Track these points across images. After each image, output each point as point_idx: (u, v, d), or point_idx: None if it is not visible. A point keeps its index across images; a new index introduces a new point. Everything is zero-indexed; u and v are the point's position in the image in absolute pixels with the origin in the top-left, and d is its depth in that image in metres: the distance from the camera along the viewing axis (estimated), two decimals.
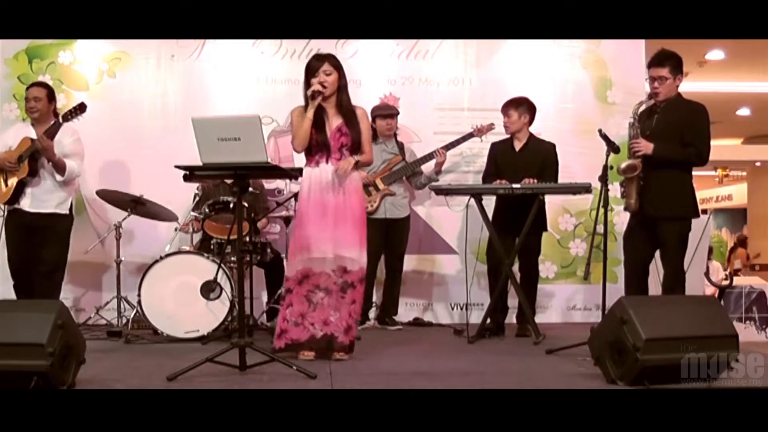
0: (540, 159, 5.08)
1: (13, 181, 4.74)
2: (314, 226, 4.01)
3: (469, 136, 5.60)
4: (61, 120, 4.74)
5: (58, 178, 4.81)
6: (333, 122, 4.07)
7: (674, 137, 4.26)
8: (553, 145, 5.18)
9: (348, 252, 4.03)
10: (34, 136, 4.81)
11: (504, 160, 5.13)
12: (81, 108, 4.79)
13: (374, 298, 5.74)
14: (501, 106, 5.16)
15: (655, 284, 4.66)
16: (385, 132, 5.56)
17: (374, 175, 5.50)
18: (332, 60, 4.06)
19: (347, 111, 4.09)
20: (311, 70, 4.04)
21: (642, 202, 4.26)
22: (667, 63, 4.27)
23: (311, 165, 4.08)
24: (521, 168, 5.01)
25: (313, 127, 4.01)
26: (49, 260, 4.84)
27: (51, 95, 4.99)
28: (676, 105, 4.31)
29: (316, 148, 4.06)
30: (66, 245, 4.94)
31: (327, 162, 4.05)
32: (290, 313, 4.05)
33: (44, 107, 4.91)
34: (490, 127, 5.53)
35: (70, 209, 4.95)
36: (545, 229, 5.21)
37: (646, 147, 4.22)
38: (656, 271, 4.51)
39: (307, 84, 4.04)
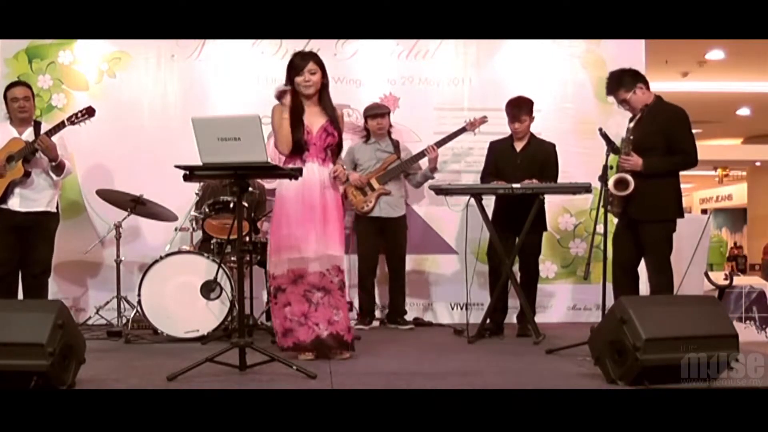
0: (541, 159, 5.09)
1: (3, 181, 4.71)
2: (303, 226, 4.01)
3: (462, 130, 5.59)
4: (66, 123, 4.72)
5: (55, 177, 4.81)
6: (317, 122, 4.08)
7: (658, 143, 4.29)
8: (554, 145, 5.18)
9: (336, 251, 4.06)
10: (16, 135, 4.79)
11: (505, 160, 5.13)
12: (89, 112, 4.76)
13: (377, 298, 5.74)
14: (506, 107, 5.14)
15: (646, 285, 4.67)
16: (376, 131, 5.57)
17: (369, 175, 5.51)
18: (316, 58, 4.09)
19: (332, 111, 4.13)
20: (296, 69, 4.05)
21: (626, 205, 4.29)
22: (618, 87, 4.34)
23: (296, 164, 4.04)
24: (522, 168, 5.02)
25: (292, 126, 4.02)
26: (41, 260, 4.83)
27: (33, 94, 5.00)
28: (657, 111, 4.33)
29: (300, 147, 4.05)
30: (53, 244, 4.94)
31: (312, 161, 4.05)
32: (291, 313, 4.05)
33: (32, 107, 4.92)
34: (483, 120, 5.53)
35: (57, 207, 4.95)
36: (545, 229, 5.22)
37: (635, 163, 4.24)
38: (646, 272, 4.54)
39: (290, 81, 4.07)
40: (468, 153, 5.94)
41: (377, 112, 5.57)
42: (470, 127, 5.58)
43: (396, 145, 5.64)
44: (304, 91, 4.05)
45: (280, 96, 4.03)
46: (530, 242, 4.99)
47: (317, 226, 4.01)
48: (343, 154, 5.59)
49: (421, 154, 5.56)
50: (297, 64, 4.06)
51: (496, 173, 5.09)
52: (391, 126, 5.67)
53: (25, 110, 4.84)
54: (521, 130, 5.10)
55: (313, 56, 4.09)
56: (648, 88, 4.37)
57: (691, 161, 4.35)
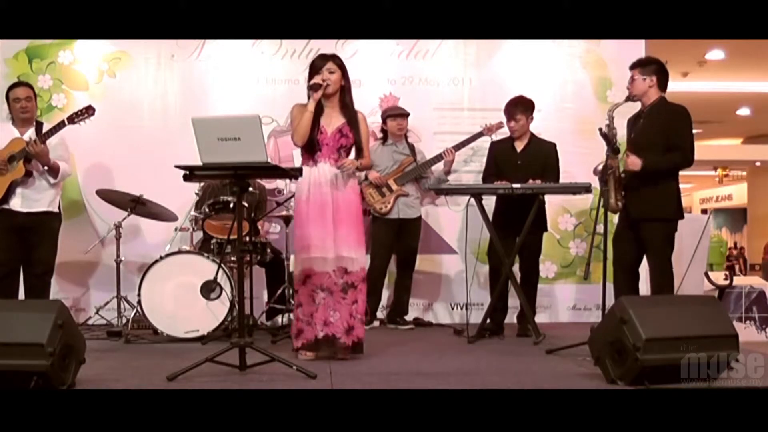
0: (542, 159, 5.09)
1: (5, 181, 4.71)
2: (314, 226, 4.02)
3: (479, 135, 5.59)
4: (66, 122, 4.72)
5: (52, 180, 4.80)
6: (333, 122, 4.08)
7: (658, 142, 4.31)
8: (554, 145, 5.19)
9: (348, 252, 4.03)
10: (17, 135, 4.78)
11: (505, 160, 5.13)
12: (89, 111, 4.75)
13: (383, 298, 5.74)
14: (504, 107, 5.16)
15: (646, 284, 4.67)
16: (396, 132, 5.57)
17: (387, 176, 5.52)
18: (336, 60, 4.09)
19: (351, 113, 4.11)
20: (315, 68, 4.06)
21: (627, 204, 4.31)
22: (637, 66, 4.42)
23: (309, 164, 4.09)
24: (523, 168, 5.02)
25: (312, 124, 4.02)
26: (44, 260, 4.82)
27: (36, 95, 4.99)
28: (659, 110, 4.37)
29: (313, 146, 4.06)
30: (57, 244, 4.93)
31: (324, 161, 4.05)
32: (302, 313, 4.07)
33: (34, 107, 4.91)
34: (500, 125, 5.48)
35: (59, 207, 4.95)
36: (546, 229, 5.22)
37: (634, 164, 4.27)
38: (647, 271, 4.53)
39: (309, 81, 4.07)
40: (468, 153, 5.93)
41: (398, 113, 5.57)
42: (487, 132, 5.56)
43: (412, 148, 5.64)
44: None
45: (314, 88, 3.99)
46: (530, 242, 4.99)
47: (327, 226, 4.00)
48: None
49: (439, 157, 5.56)
50: (317, 63, 4.08)
51: (497, 173, 5.09)
52: (408, 129, 5.66)
53: (27, 110, 4.83)
54: (517, 129, 5.10)
55: (333, 57, 4.11)
56: (659, 87, 4.39)
57: (688, 159, 4.35)
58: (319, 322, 4.03)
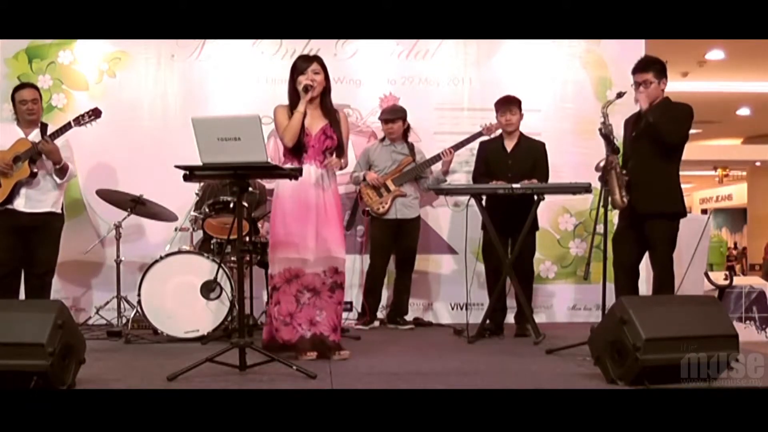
0: (532, 158, 5.10)
1: (9, 182, 4.72)
2: (300, 226, 4.03)
3: (478, 135, 5.55)
4: (73, 124, 4.73)
5: (58, 180, 4.81)
6: (316, 124, 4.10)
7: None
8: (543, 144, 5.20)
9: (337, 252, 4.07)
10: (22, 136, 4.79)
11: (496, 160, 5.14)
12: (95, 113, 4.79)
13: (383, 298, 5.74)
14: (496, 104, 5.18)
15: (646, 284, 4.67)
16: (388, 135, 5.56)
17: (385, 177, 5.51)
18: (320, 61, 4.13)
19: (332, 114, 4.15)
20: (299, 69, 4.09)
21: (633, 201, 4.29)
22: (651, 68, 4.34)
23: (294, 164, 4.07)
24: (513, 167, 5.03)
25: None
26: (45, 261, 4.84)
27: (41, 96, 5.00)
28: (663, 108, 4.34)
29: (300, 148, 4.07)
30: (59, 245, 4.94)
31: (311, 163, 4.07)
32: (278, 312, 4.06)
33: (39, 108, 4.92)
34: (499, 125, 5.46)
35: (62, 208, 4.96)
36: (537, 228, 5.22)
37: (644, 101, 4.26)
38: (647, 271, 4.53)
39: (293, 82, 4.09)
40: (467, 154, 5.92)
41: (387, 117, 5.56)
42: (486, 131, 5.50)
43: (411, 147, 5.63)
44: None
45: (307, 89, 4.01)
46: (525, 242, 4.98)
47: (315, 227, 4.02)
48: (356, 154, 5.59)
49: (437, 157, 5.54)
50: (300, 64, 4.10)
51: (487, 173, 5.09)
52: (409, 128, 5.65)
53: (33, 112, 4.85)
54: (513, 122, 5.10)
55: (317, 58, 4.14)
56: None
57: (674, 139, 4.29)
58: (304, 322, 4.03)
